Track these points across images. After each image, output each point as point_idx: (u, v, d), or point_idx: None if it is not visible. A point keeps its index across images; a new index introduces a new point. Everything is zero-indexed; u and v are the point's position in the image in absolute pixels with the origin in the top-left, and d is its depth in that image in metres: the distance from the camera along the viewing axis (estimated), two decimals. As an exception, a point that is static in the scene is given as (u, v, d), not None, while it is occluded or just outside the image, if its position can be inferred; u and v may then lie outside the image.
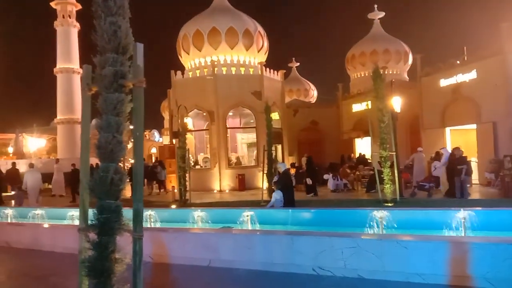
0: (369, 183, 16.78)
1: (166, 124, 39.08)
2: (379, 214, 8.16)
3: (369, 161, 21.29)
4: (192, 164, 21.48)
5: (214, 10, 24.34)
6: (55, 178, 22.20)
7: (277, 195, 11.43)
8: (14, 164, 18.92)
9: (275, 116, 21.66)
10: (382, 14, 33.12)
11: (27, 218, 11.67)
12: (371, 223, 8.12)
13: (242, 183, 21.03)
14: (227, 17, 23.46)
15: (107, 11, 2.78)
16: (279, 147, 22.69)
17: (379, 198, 13.36)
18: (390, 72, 29.38)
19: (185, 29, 23.88)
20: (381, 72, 14.22)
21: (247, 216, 9.16)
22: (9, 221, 12.03)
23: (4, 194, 19.44)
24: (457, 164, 13.79)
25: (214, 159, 22.04)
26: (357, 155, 24.89)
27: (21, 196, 17.06)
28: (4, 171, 19.30)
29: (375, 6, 32.92)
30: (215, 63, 22.36)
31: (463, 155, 14.20)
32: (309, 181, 16.84)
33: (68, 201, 18.27)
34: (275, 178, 13.12)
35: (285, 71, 26.68)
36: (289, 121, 25.64)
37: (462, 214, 7.50)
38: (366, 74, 30.47)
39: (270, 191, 15.15)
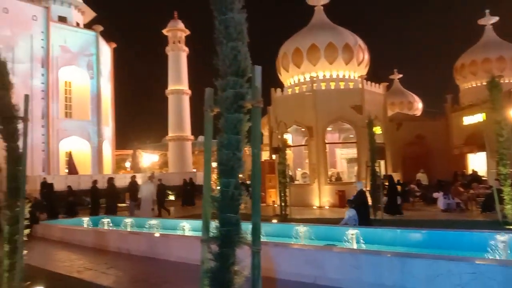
0: (486, 203, 15.27)
1: (265, 140, 40.05)
2: (501, 237, 7.38)
3: (483, 178, 19.44)
4: (290, 179, 21.62)
5: (313, 27, 24.58)
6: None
7: (350, 213, 11.55)
8: (150, 177, 21.04)
9: (377, 130, 20.95)
10: (495, 19, 30.37)
11: (144, 228, 12.73)
12: (491, 247, 7.38)
13: (342, 199, 20.54)
14: (326, 33, 23.52)
15: (228, 37, 2.99)
16: (382, 162, 21.82)
17: (499, 219, 12.08)
18: (507, 81, 26.67)
19: (284, 48, 24.43)
20: (498, 82, 12.99)
21: (352, 234, 8.94)
22: (128, 230, 13.23)
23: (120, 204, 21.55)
24: None
25: (313, 175, 21.95)
26: (469, 171, 22.88)
27: (133, 206, 18.74)
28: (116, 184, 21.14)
29: (487, 11, 30.34)
30: (314, 79, 22.47)
31: None
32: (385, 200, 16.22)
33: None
34: (352, 197, 13.44)
35: (387, 83, 25.78)
36: (392, 136, 24.59)
37: None
38: (478, 84, 28.07)
39: (373, 208, 14.78)
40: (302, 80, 23.70)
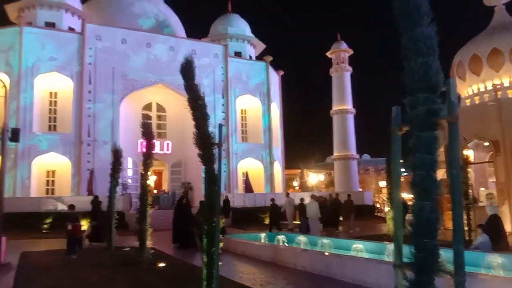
0: None
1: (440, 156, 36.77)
2: None
3: None
4: (473, 201, 19.28)
5: (493, 29, 21.95)
6: (288, 212, 21.20)
7: (482, 238, 11.25)
8: (349, 196, 22.24)
9: None
10: None
11: (316, 246, 12.90)
12: None
13: (544, 225, 17.36)
14: (510, 34, 20.69)
15: (418, 52, 2.89)
16: None
17: None
18: None
19: (459, 55, 22.36)
20: None
21: None
22: (303, 247, 13.60)
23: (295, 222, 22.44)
24: None
25: (502, 196, 19.15)
26: None
27: (304, 224, 19.33)
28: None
29: None
30: (498, 86, 19.86)
31: None
32: None
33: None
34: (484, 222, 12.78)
35: None
36: None
37: None
38: None
39: None
40: (482, 89, 21.24)
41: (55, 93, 28.52)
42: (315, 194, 22.07)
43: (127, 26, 30.52)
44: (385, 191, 33.96)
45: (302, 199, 21.74)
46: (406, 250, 3.23)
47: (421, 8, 2.89)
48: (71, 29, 29.25)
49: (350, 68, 39.23)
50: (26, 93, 26.03)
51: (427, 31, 2.87)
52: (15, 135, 9.74)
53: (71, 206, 14.03)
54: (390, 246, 10.87)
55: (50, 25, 28.73)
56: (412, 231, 2.83)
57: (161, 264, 11.45)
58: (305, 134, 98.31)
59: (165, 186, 32.22)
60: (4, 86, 9.74)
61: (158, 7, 36.49)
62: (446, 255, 8.28)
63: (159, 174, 32.67)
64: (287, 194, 22.32)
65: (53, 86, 28.19)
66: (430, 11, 2.97)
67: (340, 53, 39.18)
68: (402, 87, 3.20)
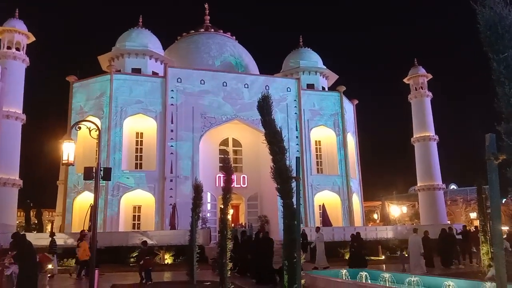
0: None
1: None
2: None
3: None
4: None
5: None
6: (318, 249, 19.61)
7: None
8: (476, 227, 21.49)
9: None
10: None
11: (403, 284, 12.07)
12: None
13: None
14: None
15: (510, 76, 2.68)
16: None
17: None
18: None
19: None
20: None
21: None
22: (386, 285, 12.78)
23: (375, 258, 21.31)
24: None
25: None
26: None
27: (403, 258, 18.31)
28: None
29: None
30: None
31: None
32: None
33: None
34: None
35: None
36: None
37: None
38: None
39: None
40: None
41: (141, 133, 30.67)
42: (416, 227, 20.56)
43: (205, 68, 32.42)
44: (476, 223, 31.35)
45: (354, 234, 19.81)
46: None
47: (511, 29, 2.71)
48: (154, 74, 31.62)
49: (430, 94, 37.57)
50: (116, 134, 28.33)
51: (521, 52, 2.66)
52: (106, 174, 10.52)
53: (144, 243, 16.04)
54: (486, 284, 9.92)
55: (136, 71, 31.35)
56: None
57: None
58: (385, 164, 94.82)
59: (242, 220, 32.57)
60: (98, 129, 10.65)
61: (234, 48, 38.31)
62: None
63: (236, 207, 33.18)
64: (318, 229, 21.02)
65: (139, 126, 30.38)
66: (522, 31, 2.77)
67: (418, 78, 37.79)
68: (491, 111, 2.98)
